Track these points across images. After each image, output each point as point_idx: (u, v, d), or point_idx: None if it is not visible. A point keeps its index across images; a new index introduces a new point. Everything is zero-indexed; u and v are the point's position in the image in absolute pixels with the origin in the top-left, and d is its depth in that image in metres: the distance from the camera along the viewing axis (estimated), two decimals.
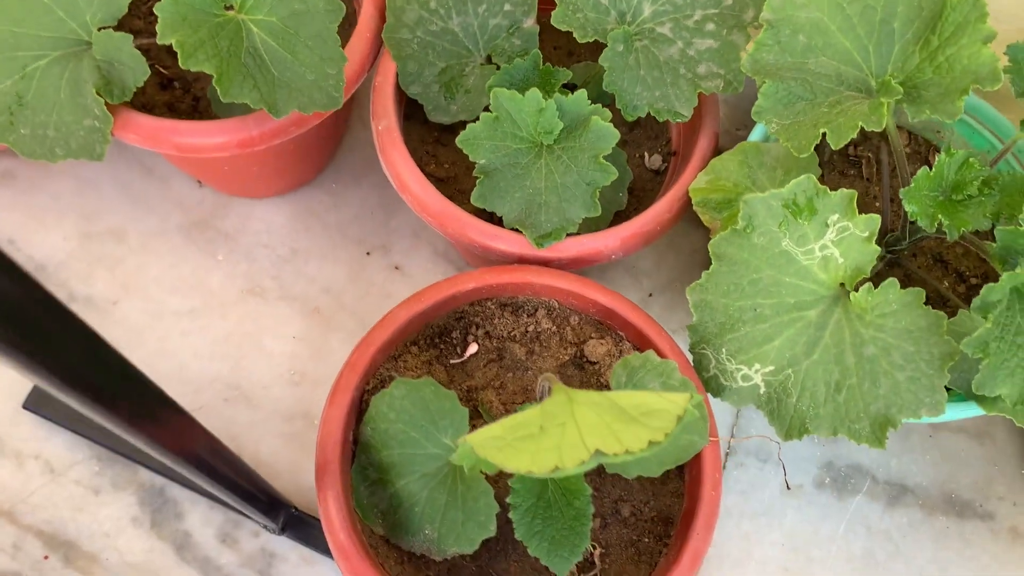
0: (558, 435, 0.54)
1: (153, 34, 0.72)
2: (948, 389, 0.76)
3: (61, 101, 0.78)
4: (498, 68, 0.82)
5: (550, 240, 0.76)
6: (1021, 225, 0.62)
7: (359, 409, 0.73)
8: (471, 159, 0.76)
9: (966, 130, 0.85)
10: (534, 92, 0.74)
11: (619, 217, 0.85)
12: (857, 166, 0.88)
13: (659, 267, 1.02)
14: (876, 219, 0.66)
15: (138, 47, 0.78)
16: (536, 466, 0.51)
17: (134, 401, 0.49)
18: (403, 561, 0.71)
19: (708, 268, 0.70)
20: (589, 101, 0.76)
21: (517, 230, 0.77)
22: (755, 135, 0.82)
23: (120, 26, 0.78)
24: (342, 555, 0.67)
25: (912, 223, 0.76)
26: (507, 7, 0.82)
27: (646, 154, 0.90)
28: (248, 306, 0.98)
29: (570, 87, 0.91)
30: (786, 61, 0.72)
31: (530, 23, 0.83)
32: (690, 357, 0.74)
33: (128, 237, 1.00)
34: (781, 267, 0.69)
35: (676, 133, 0.88)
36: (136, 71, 0.77)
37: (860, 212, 0.87)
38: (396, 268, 1.01)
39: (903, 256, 0.82)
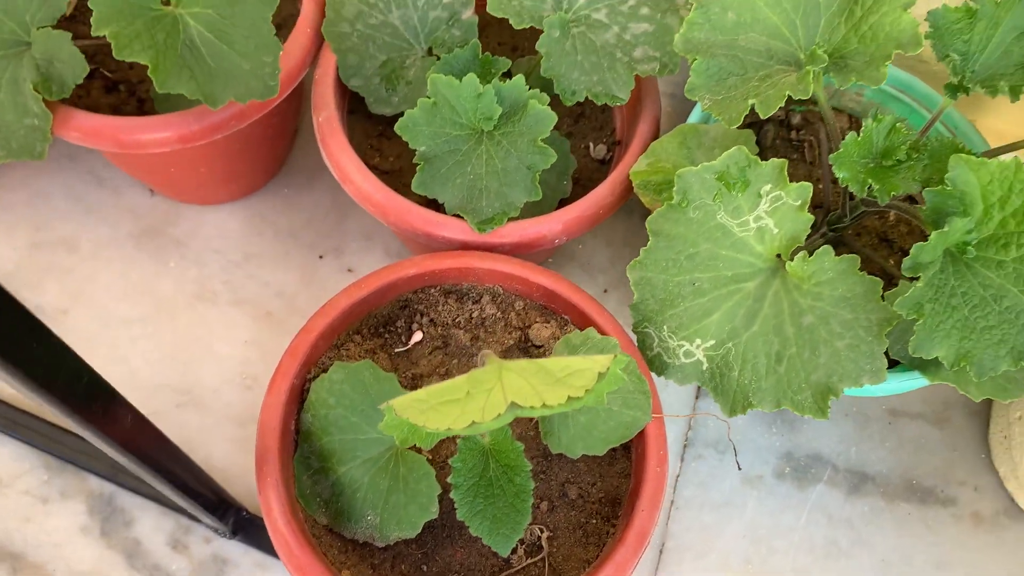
0: (483, 399, 0.54)
1: (98, 37, 0.72)
2: (893, 363, 0.76)
3: (1, 101, 0.78)
4: (438, 59, 0.83)
5: (492, 225, 0.76)
6: (947, 185, 0.62)
7: (300, 398, 0.73)
8: (411, 146, 0.77)
9: (902, 108, 0.86)
10: (471, 77, 0.75)
11: (564, 205, 0.85)
12: (799, 150, 0.89)
13: (614, 263, 1.02)
14: (808, 187, 0.67)
15: (83, 49, 0.79)
16: (456, 424, 0.50)
17: (81, 391, 0.49)
18: (347, 550, 0.70)
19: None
20: (527, 87, 0.77)
21: (460, 216, 0.77)
22: (693, 117, 0.83)
23: (63, 28, 0.79)
24: (283, 545, 0.66)
25: (852, 198, 0.76)
26: (445, 0, 0.83)
27: (591, 144, 0.90)
28: (199, 311, 0.97)
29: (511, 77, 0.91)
30: (717, 39, 0.73)
31: (468, 14, 0.84)
32: (634, 338, 0.74)
33: (80, 246, 1.00)
34: (717, 240, 0.70)
35: (620, 123, 0.89)
36: (75, 68, 0.77)
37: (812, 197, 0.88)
38: (349, 271, 1.01)
39: (847, 235, 0.83)
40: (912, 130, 0.67)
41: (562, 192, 0.85)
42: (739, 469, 0.92)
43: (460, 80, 0.79)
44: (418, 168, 0.77)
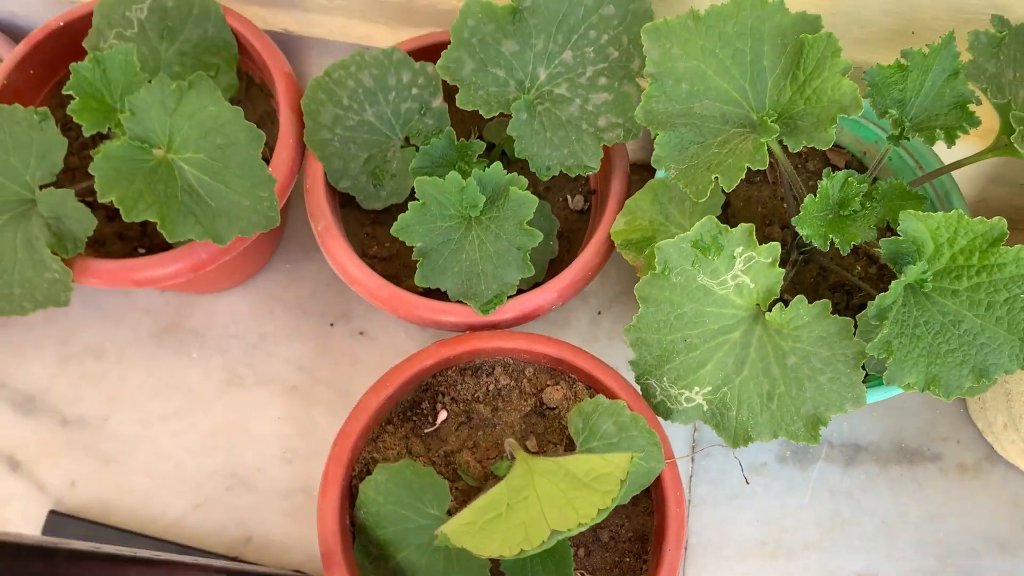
0: (523, 511, 0.62)
1: (90, 174, 0.77)
2: (868, 375, 0.84)
3: (19, 260, 0.83)
4: (417, 149, 0.88)
5: (493, 306, 0.83)
6: (899, 235, 0.69)
7: (350, 494, 0.80)
8: (407, 244, 0.83)
9: (856, 127, 0.92)
10: (454, 175, 0.81)
11: (553, 264, 0.92)
12: (762, 172, 0.95)
13: (604, 285, 1.09)
14: (776, 247, 0.74)
15: (79, 191, 0.83)
16: (506, 549, 0.58)
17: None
18: None
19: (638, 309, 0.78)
20: (505, 171, 0.82)
21: (462, 301, 0.84)
22: (662, 172, 0.89)
23: (63, 179, 0.83)
24: None
25: None
26: (415, 91, 0.88)
27: (568, 197, 0.96)
28: (229, 396, 1.04)
29: (489, 146, 0.97)
30: (674, 108, 0.78)
31: (438, 103, 0.88)
32: (637, 387, 0.82)
33: (105, 353, 1.06)
34: (701, 300, 0.77)
35: (593, 173, 0.95)
36: (83, 223, 0.82)
37: (767, 215, 0.95)
38: (361, 333, 1.08)
39: (815, 252, 0.90)
40: (864, 182, 0.74)
41: (550, 253, 0.91)
42: (747, 484, 1.01)
43: (442, 170, 0.85)
44: (418, 264, 0.83)
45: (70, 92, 0.80)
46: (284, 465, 1.02)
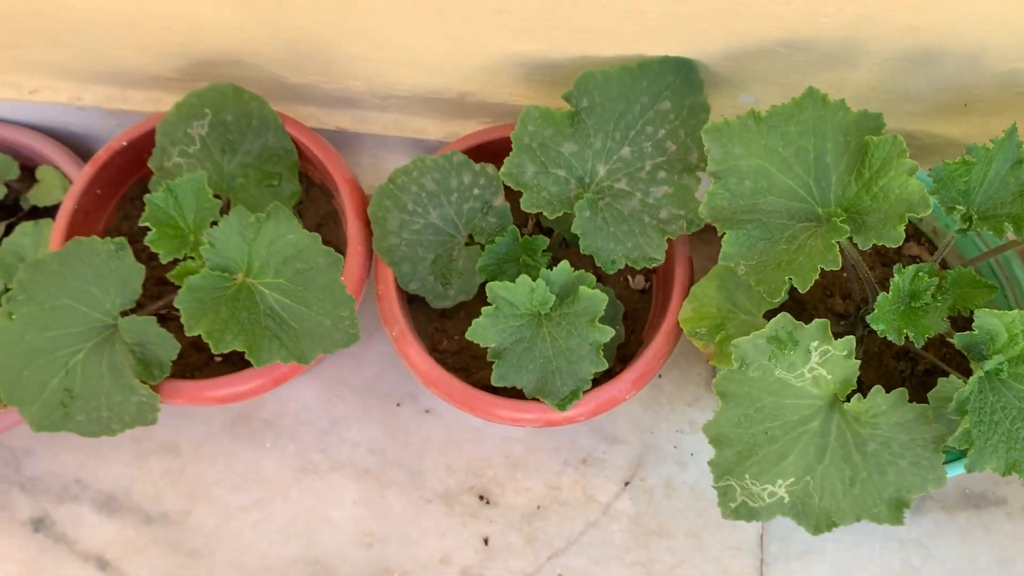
0: None
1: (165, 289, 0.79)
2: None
3: (106, 387, 0.86)
4: (482, 247, 0.90)
5: (571, 401, 0.85)
6: (973, 330, 0.71)
7: None
8: (481, 346, 0.85)
9: None
10: (524, 279, 0.82)
11: (620, 349, 0.93)
12: None
13: None
14: (852, 341, 0.75)
15: (156, 309, 0.86)
16: None
17: None
18: None
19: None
20: (572, 269, 0.84)
21: (537, 399, 0.86)
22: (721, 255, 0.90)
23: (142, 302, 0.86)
24: None
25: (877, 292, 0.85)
26: (476, 191, 0.90)
27: (629, 277, 0.98)
28: (305, 484, 1.07)
29: (547, 231, 0.99)
30: (738, 204, 0.80)
31: (500, 201, 0.90)
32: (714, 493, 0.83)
33: (181, 448, 1.08)
34: (779, 392, 0.78)
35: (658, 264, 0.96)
36: (167, 348, 0.84)
37: (828, 286, 0.96)
38: (427, 412, 1.10)
39: None
40: (934, 274, 0.75)
41: (617, 338, 0.93)
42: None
43: (513, 280, 0.87)
44: (494, 365, 0.85)
45: (146, 223, 0.82)
46: (364, 548, 1.05)
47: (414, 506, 1.06)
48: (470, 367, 0.94)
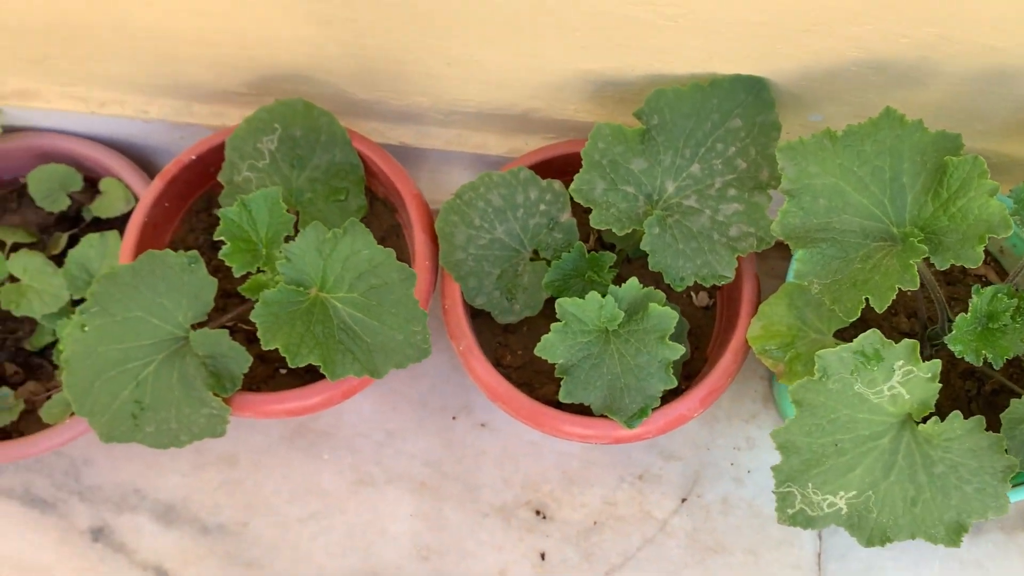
0: None
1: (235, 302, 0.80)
2: None
3: (176, 399, 0.86)
4: (548, 263, 0.90)
5: (639, 419, 0.85)
6: None
7: None
8: (549, 362, 0.85)
9: None
10: (594, 296, 0.83)
11: (686, 366, 0.93)
12: None
13: None
14: (938, 364, 0.75)
15: (226, 322, 0.86)
16: None
17: None
18: None
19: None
20: (640, 285, 0.85)
21: (605, 416, 0.86)
22: (793, 275, 0.90)
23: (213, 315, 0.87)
24: None
25: (949, 315, 0.84)
26: (542, 207, 0.90)
27: (693, 294, 0.98)
28: (362, 496, 1.07)
29: (610, 246, 0.99)
30: (812, 223, 0.80)
31: (566, 217, 0.91)
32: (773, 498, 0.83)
33: (239, 459, 1.09)
34: (855, 406, 0.78)
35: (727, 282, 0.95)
36: (239, 361, 0.85)
37: (893, 305, 0.96)
38: (483, 425, 1.10)
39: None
40: (1012, 295, 0.75)
41: (685, 356, 0.93)
42: None
43: (574, 281, 0.88)
44: (562, 381, 0.85)
45: (221, 237, 0.83)
46: (420, 562, 1.05)
47: (470, 520, 1.06)
48: (533, 382, 0.95)
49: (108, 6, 0.85)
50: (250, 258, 0.84)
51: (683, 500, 1.07)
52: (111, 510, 1.08)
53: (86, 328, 0.85)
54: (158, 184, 0.94)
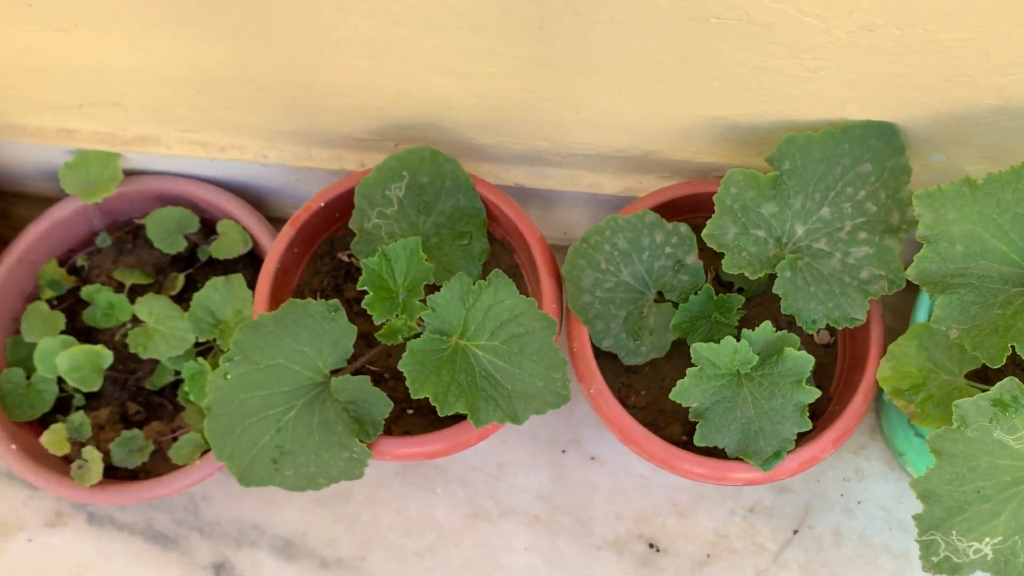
0: None
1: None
2: None
3: (316, 444, 0.88)
4: (674, 305, 0.91)
5: (774, 462, 0.86)
6: None
7: None
8: (683, 405, 0.86)
9: None
10: (729, 341, 0.84)
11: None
12: None
13: None
14: None
15: (358, 372, 0.88)
16: None
17: None
18: None
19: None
20: (774, 329, 0.86)
21: (740, 458, 0.87)
22: (922, 315, 0.91)
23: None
24: None
25: None
26: (668, 249, 0.92)
27: (814, 332, 0.99)
28: (476, 529, 1.09)
29: (727, 284, 1.00)
30: (948, 269, 0.81)
31: (693, 259, 0.92)
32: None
33: (353, 494, 1.11)
34: (996, 453, 0.79)
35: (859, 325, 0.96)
36: (381, 407, 0.87)
37: None
38: (593, 459, 1.12)
39: None
40: None
41: None
42: None
43: (700, 323, 0.89)
44: (697, 425, 0.87)
45: (364, 287, 0.85)
46: None
47: (585, 553, 1.08)
48: (658, 422, 0.96)
49: (247, 62, 0.87)
50: (388, 306, 0.86)
51: (795, 532, 1.08)
52: (231, 545, 1.10)
53: (228, 376, 0.88)
54: (289, 230, 0.96)
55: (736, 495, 1.10)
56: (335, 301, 0.87)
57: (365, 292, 0.95)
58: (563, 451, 1.12)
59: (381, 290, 0.86)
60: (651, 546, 1.08)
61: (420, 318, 0.85)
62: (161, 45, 0.86)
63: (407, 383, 0.81)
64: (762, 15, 0.71)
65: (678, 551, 1.08)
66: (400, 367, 0.82)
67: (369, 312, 0.85)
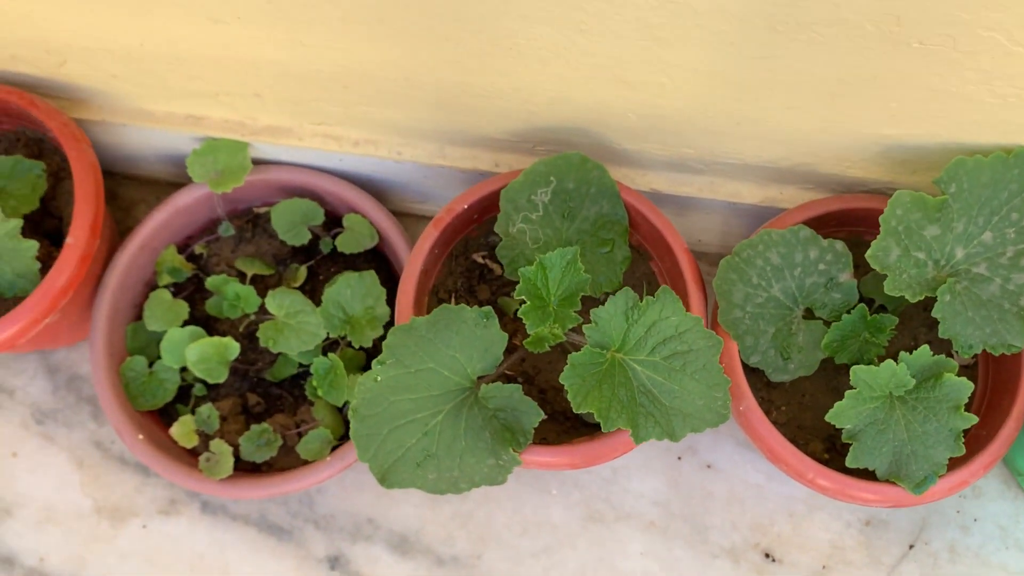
0: None
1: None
2: None
3: (461, 449, 0.88)
4: (826, 323, 0.91)
5: (925, 486, 0.86)
6: None
7: None
8: (837, 426, 0.86)
9: None
10: (888, 365, 0.83)
11: None
12: None
13: None
14: None
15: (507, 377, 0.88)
16: None
17: None
18: None
19: None
20: (931, 353, 0.85)
21: (890, 480, 0.87)
22: None
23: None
24: None
25: None
26: (821, 266, 0.91)
27: (956, 352, 0.98)
28: (592, 532, 1.09)
29: (868, 302, 0.99)
30: None
31: (846, 277, 0.91)
32: None
33: (468, 492, 1.11)
34: None
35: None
36: (531, 415, 0.87)
37: None
38: (709, 467, 1.11)
39: None
40: None
41: None
42: None
43: (850, 342, 0.88)
44: (851, 447, 0.86)
45: (521, 297, 0.84)
46: None
47: (700, 561, 1.08)
48: (797, 439, 0.95)
49: (408, 62, 0.85)
50: (541, 315, 0.85)
51: (910, 547, 1.08)
52: (346, 539, 1.10)
53: (379, 379, 0.87)
54: (432, 231, 0.95)
55: (852, 507, 1.09)
56: (488, 308, 0.86)
57: (496, 294, 0.94)
58: (679, 458, 1.12)
59: (536, 299, 0.85)
60: (767, 556, 1.08)
61: (577, 327, 0.84)
62: (323, 41, 0.85)
63: (569, 396, 0.81)
64: (970, 43, 0.69)
65: (793, 561, 1.08)
66: (561, 380, 0.81)
67: (524, 320, 0.85)
